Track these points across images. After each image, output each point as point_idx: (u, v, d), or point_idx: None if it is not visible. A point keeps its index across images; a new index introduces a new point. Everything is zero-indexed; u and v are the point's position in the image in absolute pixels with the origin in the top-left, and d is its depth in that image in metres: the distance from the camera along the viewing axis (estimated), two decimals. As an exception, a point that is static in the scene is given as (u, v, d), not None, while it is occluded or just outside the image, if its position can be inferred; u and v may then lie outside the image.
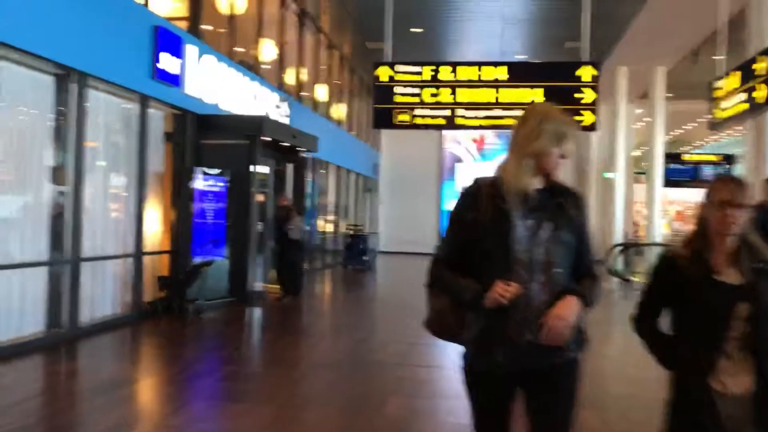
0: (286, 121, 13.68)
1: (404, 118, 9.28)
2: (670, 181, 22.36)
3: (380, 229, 26.21)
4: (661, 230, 19.77)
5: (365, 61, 21.10)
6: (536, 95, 8.65)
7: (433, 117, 9.13)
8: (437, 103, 9.05)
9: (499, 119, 8.86)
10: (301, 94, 16.47)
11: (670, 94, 21.05)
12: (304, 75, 16.87)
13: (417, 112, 9.23)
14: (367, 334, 9.21)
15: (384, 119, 9.48)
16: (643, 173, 29.83)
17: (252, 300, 10.39)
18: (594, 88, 8.79)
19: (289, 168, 13.66)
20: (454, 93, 8.88)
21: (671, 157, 23.19)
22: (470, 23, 17.17)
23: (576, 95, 8.74)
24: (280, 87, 14.40)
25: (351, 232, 18.80)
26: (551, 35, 17.36)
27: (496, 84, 8.79)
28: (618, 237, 20.26)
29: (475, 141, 26.17)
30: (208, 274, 9.25)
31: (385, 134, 26.47)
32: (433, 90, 8.99)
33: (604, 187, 22.36)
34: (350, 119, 21.70)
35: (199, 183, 9.72)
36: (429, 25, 18.05)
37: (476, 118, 9.05)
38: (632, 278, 15.97)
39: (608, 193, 20.56)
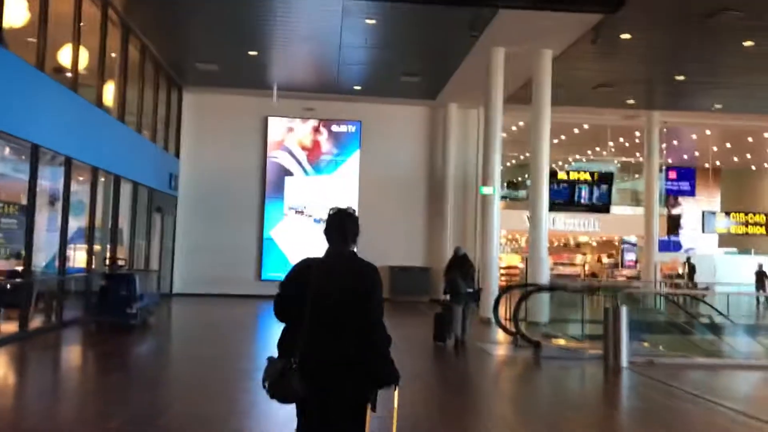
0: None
1: None
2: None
3: (177, 263, 19.43)
4: (547, 267, 15.01)
5: (159, 28, 14.68)
6: None
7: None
8: None
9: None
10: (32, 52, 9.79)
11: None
12: (30, 17, 10.17)
13: None
14: None
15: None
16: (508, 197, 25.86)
17: None
18: None
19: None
20: None
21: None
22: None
23: None
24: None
25: (106, 270, 12.05)
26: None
27: None
28: (495, 274, 15.24)
29: (306, 149, 20.36)
30: None
31: (188, 136, 19.88)
32: None
33: (478, 206, 17.32)
34: (128, 106, 14.94)
35: None
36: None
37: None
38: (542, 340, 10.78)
39: (484, 214, 15.51)
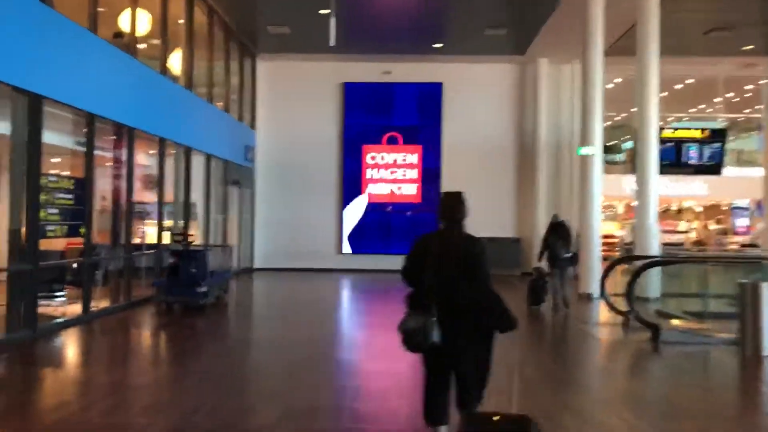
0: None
1: None
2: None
3: (257, 238, 18.86)
4: (657, 236, 13.30)
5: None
6: None
7: None
8: None
9: None
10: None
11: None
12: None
13: None
14: None
15: None
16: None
17: None
18: None
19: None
20: None
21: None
22: None
23: None
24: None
25: (179, 247, 11.37)
26: None
27: None
28: (597, 243, 13.70)
29: (385, 115, 19.20)
30: None
31: (263, 106, 19.14)
32: None
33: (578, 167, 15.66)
34: (197, 75, 14.21)
35: None
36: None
37: None
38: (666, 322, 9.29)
39: (584, 177, 13.92)
